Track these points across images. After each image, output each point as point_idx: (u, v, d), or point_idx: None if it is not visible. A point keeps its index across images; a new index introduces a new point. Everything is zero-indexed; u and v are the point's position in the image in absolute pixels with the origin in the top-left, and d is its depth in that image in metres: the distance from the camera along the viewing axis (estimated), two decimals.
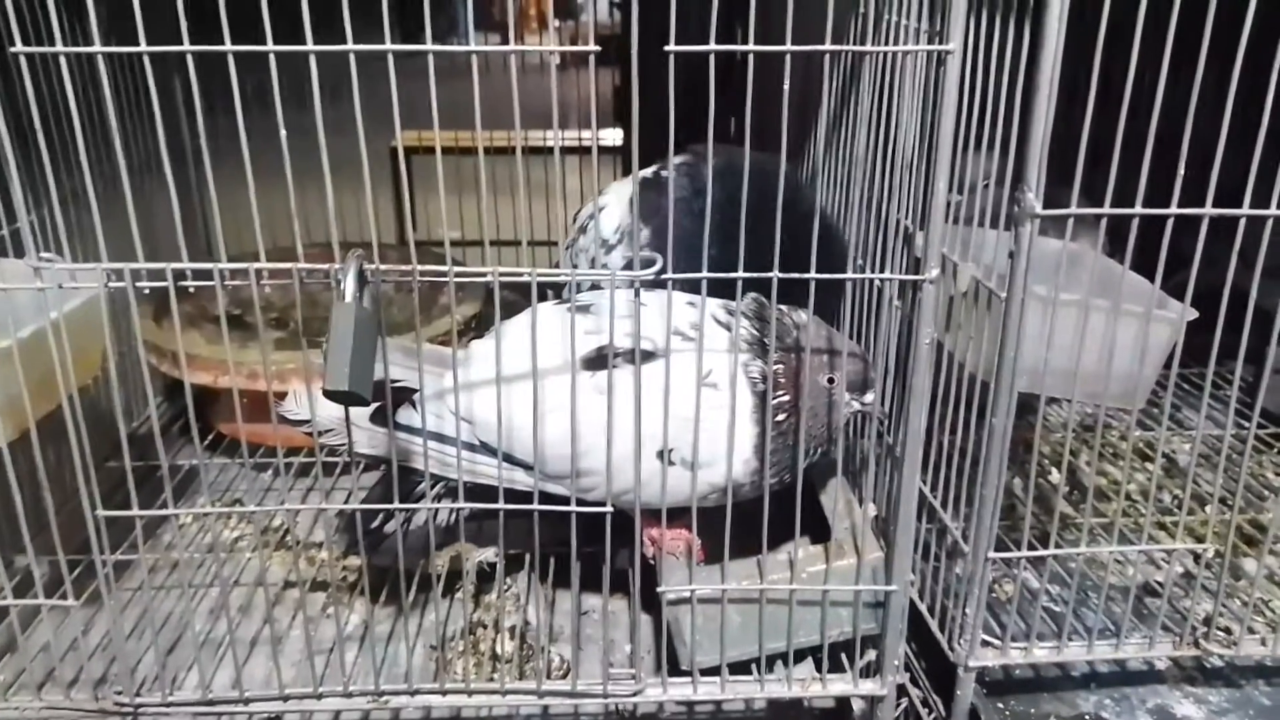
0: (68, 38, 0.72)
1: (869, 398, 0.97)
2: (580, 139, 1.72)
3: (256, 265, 0.76)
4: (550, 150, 1.45)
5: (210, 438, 1.46)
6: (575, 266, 1.32)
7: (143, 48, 0.70)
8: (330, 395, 0.73)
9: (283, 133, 0.73)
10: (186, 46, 0.70)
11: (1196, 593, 0.94)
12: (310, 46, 0.69)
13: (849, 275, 0.86)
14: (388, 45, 0.69)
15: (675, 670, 0.95)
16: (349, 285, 0.74)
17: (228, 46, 0.70)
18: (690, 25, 0.71)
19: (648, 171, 1.25)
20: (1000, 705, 0.95)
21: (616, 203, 1.26)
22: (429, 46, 0.70)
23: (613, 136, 1.93)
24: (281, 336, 1.48)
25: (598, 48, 0.71)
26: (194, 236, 1.45)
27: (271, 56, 0.70)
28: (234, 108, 0.72)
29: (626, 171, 1.67)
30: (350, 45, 0.69)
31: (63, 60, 0.71)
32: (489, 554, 1.08)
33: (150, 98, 0.73)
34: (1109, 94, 0.75)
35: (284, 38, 0.69)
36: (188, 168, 1.39)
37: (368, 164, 0.76)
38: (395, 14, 0.70)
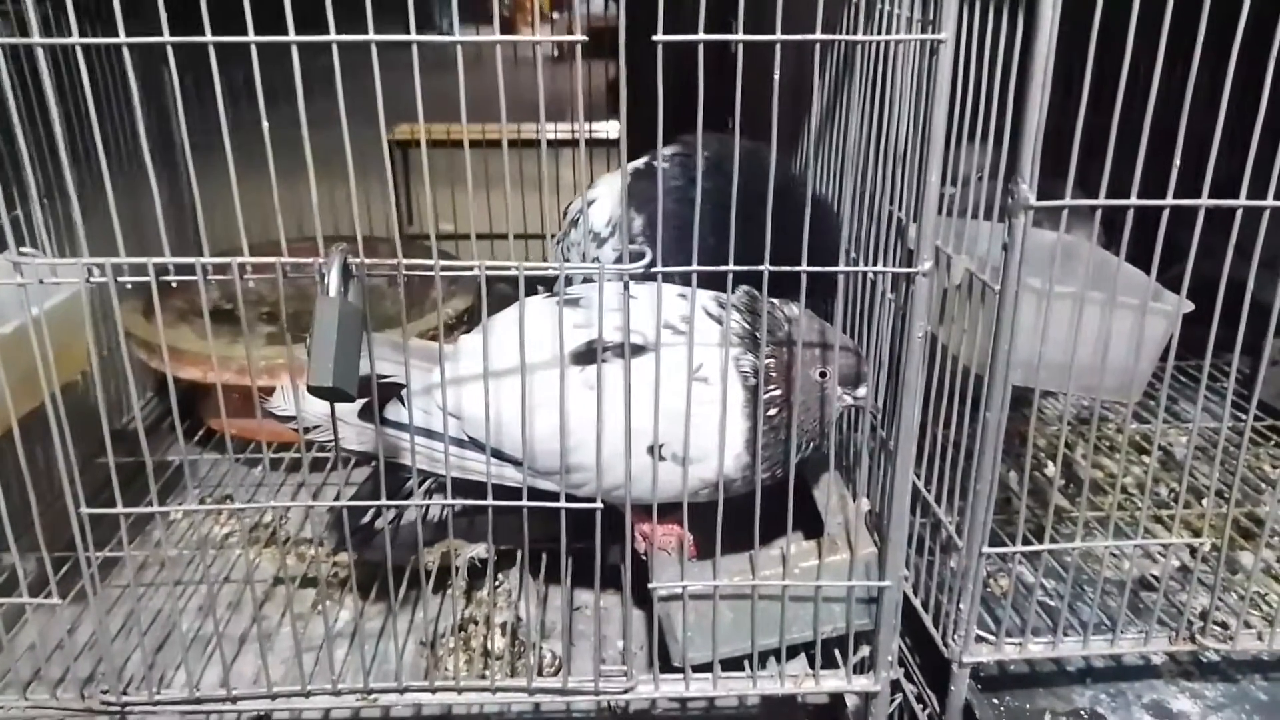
0: (54, 29, 0.70)
1: (862, 391, 0.96)
2: (573, 132, 1.70)
3: (240, 259, 0.75)
4: (549, 143, 1.44)
5: (201, 433, 1.45)
6: (566, 260, 1.31)
7: (121, 39, 0.69)
8: (314, 391, 0.72)
9: (265, 124, 0.72)
10: (166, 38, 0.69)
11: (1193, 587, 0.93)
12: (291, 37, 0.68)
13: (841, 268, 0.85)
14: (370, 35, 0.68)
15: (668, 667, 0.95)
16: (333, 279, 0.73)
17: (208, 38, 0.68)
18: (684, 16, 0.70)
19: (639, 162, 1.24)
20: (995, 701, 0.95)
21: (607, 195, 1.25)
22: (412, 37, 0.69)
23: (610, 129, 1.91)
24: (273, 331, 1.47)
25: (584, 37, 0.70)
26: (186, 231, 1.45)
27: (253, 47, 0.69)
28: (231, 100, 0.71)
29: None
30: (333, 36, 0.68)
31: (40, 52, 0.69)
32: (480, 550, 1.07)
33: (130, 90, 0.72)
34: (1104, 85, 0.74)
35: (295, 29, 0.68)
36: (185, 161, 1.38)
37: (362, 157, 0.75)
38: (400, 7, 0.69)
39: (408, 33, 0.69)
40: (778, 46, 0.71)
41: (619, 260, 0.77)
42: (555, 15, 2.28)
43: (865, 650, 0.95)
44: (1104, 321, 0.81)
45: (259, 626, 0.93)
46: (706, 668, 0.92)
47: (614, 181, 1.26)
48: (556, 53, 1.84)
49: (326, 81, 0.70)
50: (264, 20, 0.69)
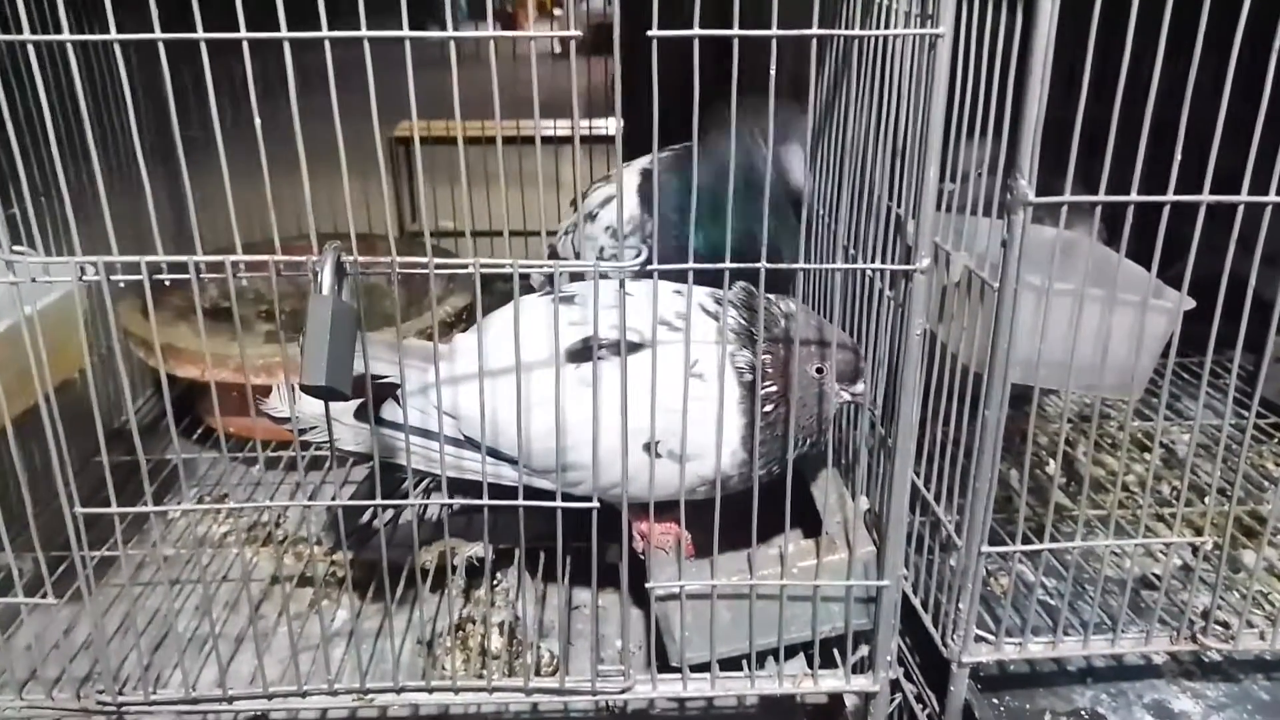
0: (48, 25, 0.70)
1: (859, 387, 0.96)
2: (571, 128, 1.70)
3: (233, 258, 0.75)
4: (550, 140, 1.43)
5: (200, 431, 1.45)
6: (577, 255, 1.30)
7: (113, 35, 0.68)
8: (307, 390, 0.72)
9: (257, 121, 0.71)
10: (158, 34, 0.68)
11: (1194, 586, 0.93)
12: (284, 34, 0.68)
13: (840, 265, 0.84)
14: (363, 32, 0.68)
15: (665, 667, 0.94)
16: (326, 277, 0.72)
17: (200, 34, 0.68)
18: (686, 12, 0.69)
19: (646, 161, 1.24)
20: (995, 701, 0.94)
21: (627, 192, 1.24)
22: (405, 33, 0.68)
23: (613, 126, 1.90)
24: (272, 330, 1.47)
25: (578, 33, 0.70)
26: (188, 229, 1.45)
27: (245, 44, 0.68)
28: (232, 98, 0.71)
29: (627, 160, 1.65)
30: (325, 32, 0.68)
31: (30, 49, 0.69)
32: (477, 549, 1.06)
33: (122, 88, 0.71)
34: (1106, 80, 0.73)
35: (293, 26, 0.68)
36: (179, 158, 1.38)
37: (365, 154, 0.75)
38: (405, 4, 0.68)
39: (415, 29, 0.69)
40: (774, 41, 0.70)
41: (637, 257, 0.76)
42: (557, 11, 2.27)
43: (864, 650, 0.94)
44: (1104, 318, 0.81)
45: (255, 626, 0.92)
46: (704, 668, 0.92)
47: (630, 179, 1.26)
48: (559, 49, 1.83)
49: (318, 78, 0.70)
50: (271, 16, 0.68)
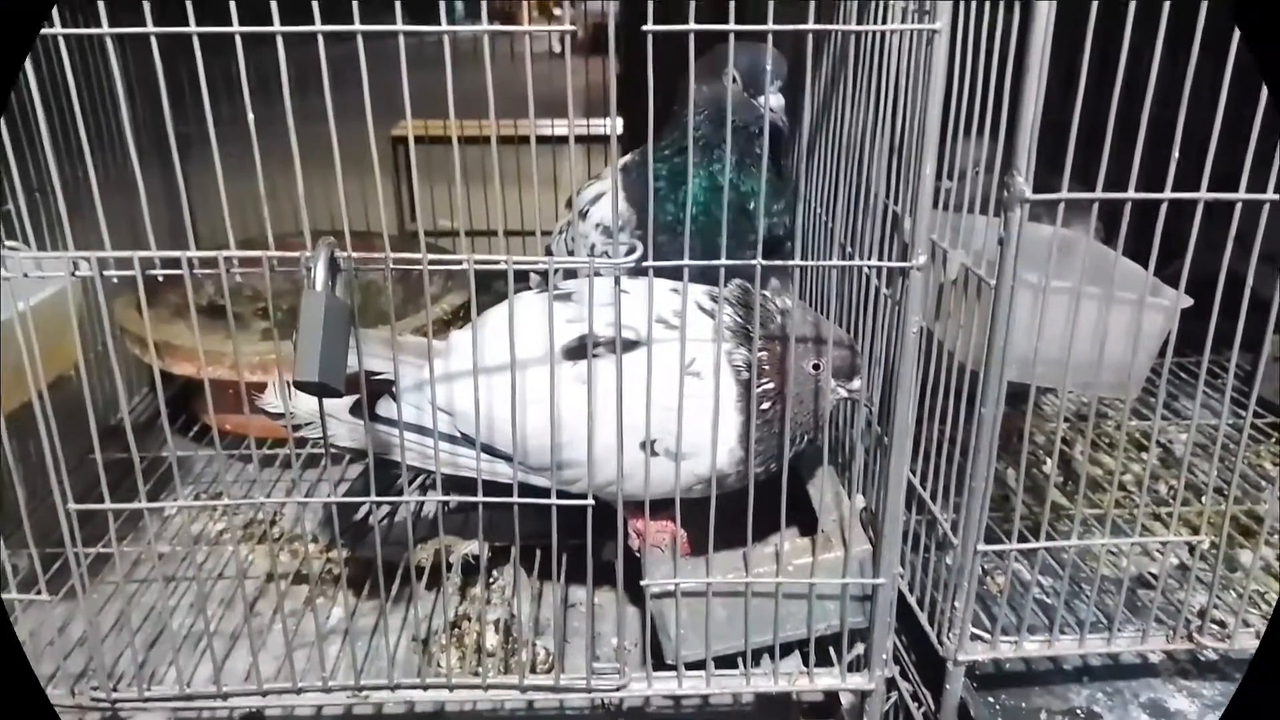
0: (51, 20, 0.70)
1: (855, 383, 0.95)
2: (569, 126, 1.69)
3: (226, 253, 0.74)
4: (548, 139, 1.43)
5: (196, 429, 1.45)
6: (571, 253, 1.30)
7: (105, 29, 0.68)
8: (300, 386, 0.71)
9: (250, 116, 0.71)
10: (150, 28, 0.68)
11: (1191, 585, 0.93)
12: (277, 28, 0.68)
13: (836, 262, 0.84)
14: (356, 25, 0.68)
15: (661, 664, 0.94)
16: (319, 273, 0.72)
17: (192, 28, 0.68)
18: (685, 9, 0.69)
19: (625, 158, 1.24)
20: (990, 699, 0.94)
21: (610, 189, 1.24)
22: (399, 26, 0.68)
23: (617, 124, 1.90)
24: (269, 327, 1.47)
25: (573, 27, 0.69)
26: (184, 225, 1.44)
27: (237, 37, 0.68)
28: (239, 94, 0.71)
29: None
30: (318, 26, 0.68)
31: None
32: (472, 547, 1.06)
33: (115, 83, 0.71)
34: (1104, 77, 0.73)
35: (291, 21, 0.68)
36: (173, 153, 1.38)
37: (368, 151, 0.75)
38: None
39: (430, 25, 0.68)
40: (769, 36, 0.70)
41: (629, 253, 0.76)
42: (557, 11, 2.26)
43: (860, 648, 0.94)
44: (1101, 317, 0.80)
45: (250, 623, 0.92)
46: (700, 665, 0.92)
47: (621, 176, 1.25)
48: (558, 48, 1.83)
49: (336, 75, 0.69)
50: (284, 9, 0.68)
